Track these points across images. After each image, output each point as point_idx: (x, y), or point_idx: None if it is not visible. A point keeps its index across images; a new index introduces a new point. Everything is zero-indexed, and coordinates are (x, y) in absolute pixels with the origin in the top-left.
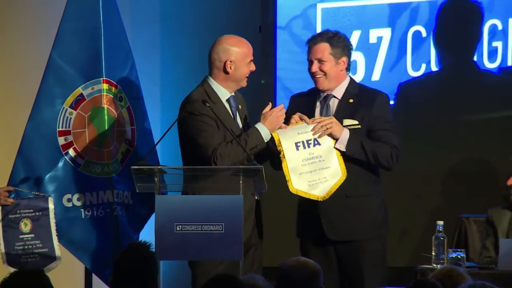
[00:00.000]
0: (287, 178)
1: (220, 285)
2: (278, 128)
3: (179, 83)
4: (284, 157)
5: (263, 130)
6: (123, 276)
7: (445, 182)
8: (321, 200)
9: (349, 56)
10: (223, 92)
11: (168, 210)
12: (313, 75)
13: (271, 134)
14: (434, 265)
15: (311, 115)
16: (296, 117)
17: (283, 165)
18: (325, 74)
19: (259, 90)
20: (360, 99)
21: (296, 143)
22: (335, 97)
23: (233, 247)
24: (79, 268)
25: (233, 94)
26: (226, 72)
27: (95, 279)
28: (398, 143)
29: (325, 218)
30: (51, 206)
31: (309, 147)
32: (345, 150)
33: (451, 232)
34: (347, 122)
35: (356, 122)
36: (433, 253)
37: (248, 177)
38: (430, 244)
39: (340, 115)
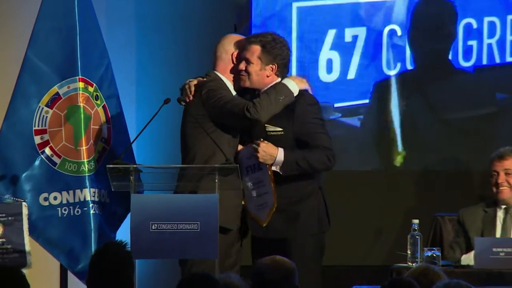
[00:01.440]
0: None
1: (196, 283)
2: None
3: (155, 82)
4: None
5: (289, 82)
6: (99, 275)
7: (420, 181)
8: (262, 224)
9: (280, 64)
10: (231, 88)
11: (143, 209)
12: (238, 71)
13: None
14: (410, 263)
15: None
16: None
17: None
18: (248, 74)
19: None
20: None
21: (246, 168)
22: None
23: (208, 245)
24: (54, 266)
25: (235, 94)
26: (234, 64)
27: (70, 277)
28: (329, 142)
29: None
30: (24, 211)
31: (254, 172)
32: (281, 173)
33: (426, 230)
34: (269, 127)
35: (279, 128)
36: (409, 252)
37: (224, 176)
38: (406, 242)
39: None
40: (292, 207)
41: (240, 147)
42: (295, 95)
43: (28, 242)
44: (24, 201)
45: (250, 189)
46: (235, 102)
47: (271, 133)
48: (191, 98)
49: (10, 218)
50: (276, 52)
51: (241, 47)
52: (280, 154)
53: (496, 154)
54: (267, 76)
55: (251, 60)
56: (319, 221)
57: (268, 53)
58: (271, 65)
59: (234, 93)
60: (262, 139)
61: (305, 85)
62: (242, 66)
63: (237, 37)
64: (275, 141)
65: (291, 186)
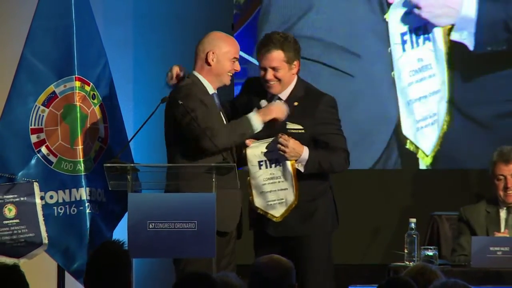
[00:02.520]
0: (249, 193)
1: (194, 283)
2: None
3: (152, 80)
4: (249, 173)
5: (253, 118)
6: (97, 274)
7: (417, 180)
8: (276, 220)
9: (300, 58)
10: (209, 87)
11: (141, 208)
12: (267, 81)
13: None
14: (407, 262)
15: (257, 106)
16: (249, 142)
17: (248, 180)
18: (279, 80)
19: (231, 87)
20: (305, 102)
21: (259, 162)
22: (280, 99)
23: (206, 244)
24: (51, 265)
25: (215, 92)
26: (209, 64)
27: (68, 276)
28: (346, 144)
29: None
30: (37, 190)
31: (270, 167)
32: (303, 171)
33: (423, 229)
34: (290, 125)
35: (300, 127)
36: (406, 251)
37: (221, 175)
38: (403, 241)
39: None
40: (306, 205)
41: (250, 142)
42: (255, 132)
43: (43, 220)
44: (36, 181)
45: (261, 184)
46: (203, 118)
47: (292, 130)
48: (174, 81)
49: (22, 198)
50: (294, 47)
51: (220, 47)
52: (305, 152)
53: (500, 156)
54: (293, 74)
55: (278, 67)
56: (332, 220)
57: (289, 51)
58: (295, 63)
59: (212, 92)
60: (288, 135)
61: (268, 117)
62: (270, 76)
63: (217, 34)
64: (295, 139)
65: (306, 184)
